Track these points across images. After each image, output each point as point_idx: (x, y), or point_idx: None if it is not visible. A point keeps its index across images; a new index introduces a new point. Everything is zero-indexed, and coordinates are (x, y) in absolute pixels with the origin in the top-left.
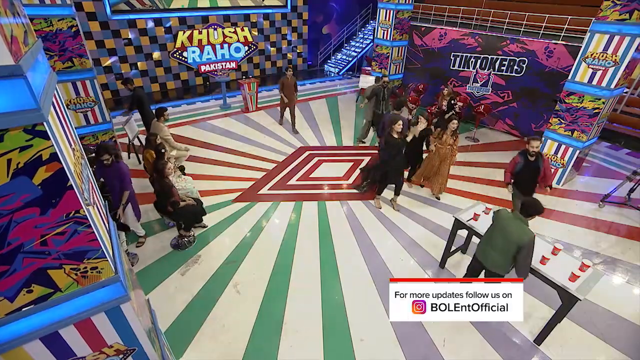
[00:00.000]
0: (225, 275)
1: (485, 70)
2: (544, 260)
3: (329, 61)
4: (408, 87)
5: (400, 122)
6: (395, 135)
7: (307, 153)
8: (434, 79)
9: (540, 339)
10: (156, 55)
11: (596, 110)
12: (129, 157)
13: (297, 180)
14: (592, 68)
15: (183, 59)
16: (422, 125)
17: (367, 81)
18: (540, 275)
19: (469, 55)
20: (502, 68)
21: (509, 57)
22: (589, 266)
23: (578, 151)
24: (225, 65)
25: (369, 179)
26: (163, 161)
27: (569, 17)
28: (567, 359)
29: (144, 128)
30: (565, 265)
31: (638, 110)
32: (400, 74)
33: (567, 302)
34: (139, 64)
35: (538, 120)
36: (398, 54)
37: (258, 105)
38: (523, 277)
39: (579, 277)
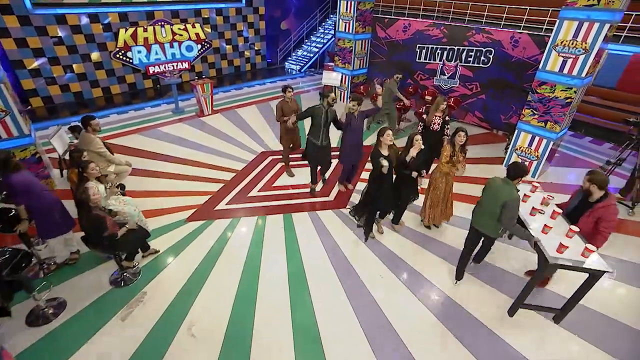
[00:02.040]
0: (177, 314)
1: (452, 62)
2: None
3: (289, 58)
4: (373, 82)
5: (390, 132)
6: (385, 152)
7: (269, 159)
8: (400, 72)
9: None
10: (95, 56)
11: (568, 100)
12: (61, 175)
13: (259, 191)
14: (563, 56)
15: (127, 59)
16: (416, 148)
17: (330, 77)
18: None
19: (434, 46)
20: (469, 59)
21: (475, 48)
22: (593, 251)
23: (552, 143)
24: (176, 65)
25: (365, 220)
26: (83, 188)
27: (528, 7)
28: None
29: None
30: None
31: (595, 98)
32: (365, 68)
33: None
34: (74, 66)
35: (507, 112)
36: (361, 47)
37: (214, 108)
38: (508, 228)
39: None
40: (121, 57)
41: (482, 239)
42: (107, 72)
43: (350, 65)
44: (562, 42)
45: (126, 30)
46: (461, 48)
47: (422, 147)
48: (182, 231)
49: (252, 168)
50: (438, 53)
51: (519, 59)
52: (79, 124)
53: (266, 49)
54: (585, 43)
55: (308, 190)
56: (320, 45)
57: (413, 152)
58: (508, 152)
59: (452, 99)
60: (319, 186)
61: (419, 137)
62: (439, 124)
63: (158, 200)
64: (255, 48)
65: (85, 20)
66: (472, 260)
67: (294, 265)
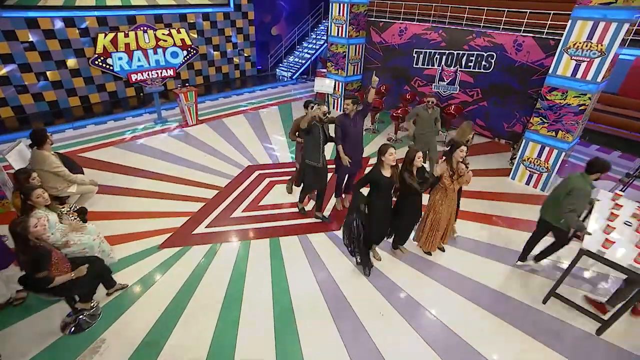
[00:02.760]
0: None
1: (452, 67)
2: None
3: (280, 65)
4: (369, 89)
5: (392, 150)
6: (387, 173)
7: (256, 173)
8: (397, 79)
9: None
10: (71, 62)
11: (582, 107)
12: None
13: (243, 211)
14: (576, 60)
15: (107, 66)
16: (444, 165)
17: (323, 84)
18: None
19: (432, 51)
20: (470, 64)
21: (476, 52)
22: None
23: (564, 153)
24: (161, 72)
25: (358, 252)
26: (20, 219)
27: (528, 11)
28: None
29: None
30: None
31: (597, 105)
32: (359, 75)
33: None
34: (48, 73)
35: (510, 119)
36: (355, 52)
37: (199, 118)
38: (564, 213)
39: None
40: (100, 63)
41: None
42: (86, 80)
43: (343, 72)
44: (574, 45)
45: (105, 35)
46: (461, 52)
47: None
48: (154, 260)
49: (237, 184)
50: (436, 58)
51: (523, 64)
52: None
53: (256, 56)
54: (601, 45)
55: (297, 209)
56: (313, 52)
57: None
58: (515, 164)
59: (453, 106)
60: (310, 204)
61: (419, 154)
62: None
63: (129, 223)
64: (245, 54)
65: (59, 24)
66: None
67: (281, 304)
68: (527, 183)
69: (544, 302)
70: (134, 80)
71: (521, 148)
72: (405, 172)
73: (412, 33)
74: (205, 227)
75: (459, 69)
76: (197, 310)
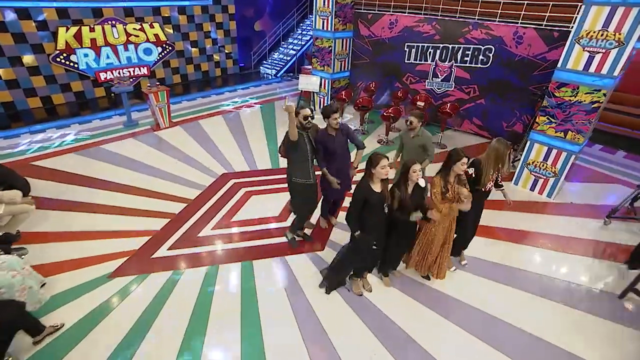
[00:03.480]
0: None
1: (446, 62)
2: None
3: (264, 62)
4: (357, 87)
5: (385, 161)
6: (377, 188)
7: (231, 182)
8: (387, 75)
9: None
10: (28, 59)
11: (595, 105)
12: None
13: (213, 229)
14: (589, 51)
15: (72, 64)
16: (438, 181)
17: (308, 82)
18: None
19: (425, 45)
20: (466, 59)
21: (472, 46)
22: None
23: (573, 156)
24: (133, 71)
25: (334, 282)
26: None
27: (526, 2)
28: None
29: None
30: None
31: None
32: (347, 71)
33: None
34: (0, 71)
35: (510, 118)
36: (342, 47)
37: (173, 120)
38: None
39: None
40: (63, 61)
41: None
42: (47, 79)
43: (330, 68)
44: (588, 34)
45: (67, 29)
46: (456, 46)
47: (423, 184)
48: (102, 293)
49: (209, 196)
50: (430, 52)
51: (524, 58)
52: None
53: (238, 52)
54: (619, 34)
55: (276, 225)
56: (298, 48)
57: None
58: (518, 167)
59: (448, 104)
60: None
61: (417, 166)
62: (493, 182)
63: (78, 246)
64: (226, 51)
65: (11, 15)
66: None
67: (251, 350)
68: (532, 189)
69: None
70: (102, 79)
71: (525, 150)
72: (397, 187)
73: (403, 25)
74: (168, 250)
75: (454, 64)
76: (150, 356)
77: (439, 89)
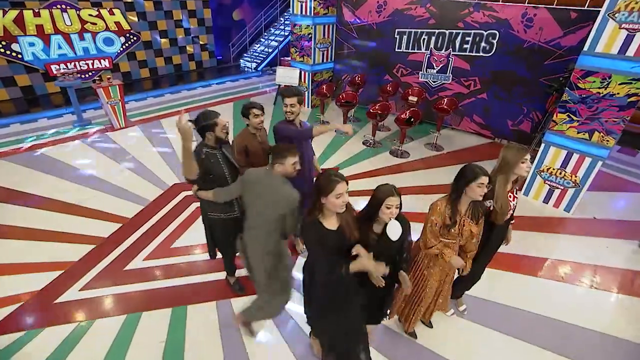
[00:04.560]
0: None
1: (443, 51)
2: None
3: (245, 55)
4: (342, 81)
5: (342, 187)
6: (333, 225)
7: (182, 195)
8: (375, 67)
9: None
10: None
11: (633, 98)
12: None
13: (145, 259)
14: (628, 29)
15: (14, 54)
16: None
17: (285, 75)
18: None
19: (419, 31)
20: (465, 46)
21: (473, 31)
22: None
23: (600, 163)
24: (92, 63)
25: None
26: None
27: None
28: None
29: None
30: None
31: None
32: (330, 62)
33: None
34: None
35: (516, 116)
36: (324, 35)
37: (130, 120)
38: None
39: None
40: (2, 50)
41: None
42: None
43: (310, 59)
44: (627, 5)
45: (4, 13)
46: (454, 32)
47: (394, 235)
48: None
49: (152, 213)
50: (424, 39)
51: (533, 44)
52: None
53: (214, 44)
54: None
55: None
56: (281, 39)
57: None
58: (529, 174)
59: (445, 99)
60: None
61: (394, 200)
62: (514, 207)
63: None
64: (200, 42)
65: None
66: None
67: None
68: (546, 201)
69: None
70: (55, 72)
71: (538, 155)
72: (365, 224)
73: (393, 8)
74: (80, 290)
75: (451, 52)
76: None
77: (434, 81)
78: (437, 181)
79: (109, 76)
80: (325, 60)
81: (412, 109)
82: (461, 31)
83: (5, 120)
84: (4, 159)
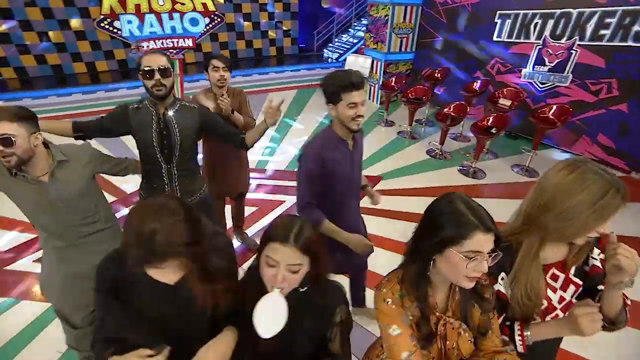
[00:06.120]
0: None
1: (564, 40)
2: None
3: (329, 44)
4: (421, 75)
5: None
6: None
7: None
8: (464, 61)
9: None
10: (75, 23)
11: None
12: None
13: None
14: None
15: (115, 30)
16: None
17: (355, 64)
18: None
19: (531, 12)
20: (603, 33)
21: (620, 8)
22: None
23: None
24: (177, 42)
25: None
26: None
27: None
28: None
29: None
30: None
31: None
32: (409, 52)
33: None
34: (50, 33)
35: None
36: (404, 18)
37: (186, 96)
38: None
39: None
40: (107, 26)
41: None
42: (92, 45)
43: (384, 46)
44: None
45: None
46: (586, 11)
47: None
48: None
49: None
50: (536, 24)
51: None
52: None
53: (298, 31)
54: None
55: None
56: None
57: None
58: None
59: (554, 107)
60: None
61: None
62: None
63: None
64: (284, 28)
65: None
66: None
67: None
68: None
69: None
70: (144, 48)
71: None
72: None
73: None
74: (34, 262)
75: (576, 42)
76: None
77: (542, 83)
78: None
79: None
80: (403, 49)
81: (499, 114)
82: (599, 9)
83: (94, 87)
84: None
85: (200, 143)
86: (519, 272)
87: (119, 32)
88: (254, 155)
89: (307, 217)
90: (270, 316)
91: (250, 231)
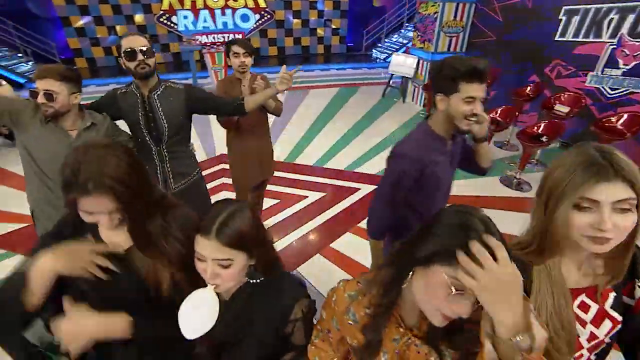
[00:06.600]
0: None
1: None
2: None
3: (378, 44)
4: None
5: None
6: None
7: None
8: (519, 62)
9: None
10: (139, 18)
11: None
12: None
13: None
14: None
15: (172, 25)
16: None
17: (400, 64)
18: None
19: (605, 7)
20: None
21: None
22: None
23: None
24: (227, 37)
25: None
26: None
27: None
28: None
29: None
30: None
31: None
32: (459, 53)
33: None
34: (117, 27)
35: None
36: (455, 16)
37: None
38: None
39: None
40: (165, 21)
41: None
42: (151, 38)
43: (431, 45)
44: None
45: None
46: None
47: None
48: None
49: None
50: (611, 20)
51: None
52: None
53: (347, 29)
54: None
55: None
56: None
57: None
58: None
59: (624, 116)
60: None
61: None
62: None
63: None
64: (333, 26)
65: None
66: None
67: None
68: None
69: None
70: (197, 42)
71: None
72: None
73: None
74: None
75: None
76: None
77: (612, 89)
78: None
79: (218, 42)
80: (452, 49)
81: (552, 121)
82: None
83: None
84: None
85: (223, 137)
86: (539, 295)
87: (176, 26)
88: (283, 148)
89: (372, 221)
90: (197, 315)
91: (266, 225)
